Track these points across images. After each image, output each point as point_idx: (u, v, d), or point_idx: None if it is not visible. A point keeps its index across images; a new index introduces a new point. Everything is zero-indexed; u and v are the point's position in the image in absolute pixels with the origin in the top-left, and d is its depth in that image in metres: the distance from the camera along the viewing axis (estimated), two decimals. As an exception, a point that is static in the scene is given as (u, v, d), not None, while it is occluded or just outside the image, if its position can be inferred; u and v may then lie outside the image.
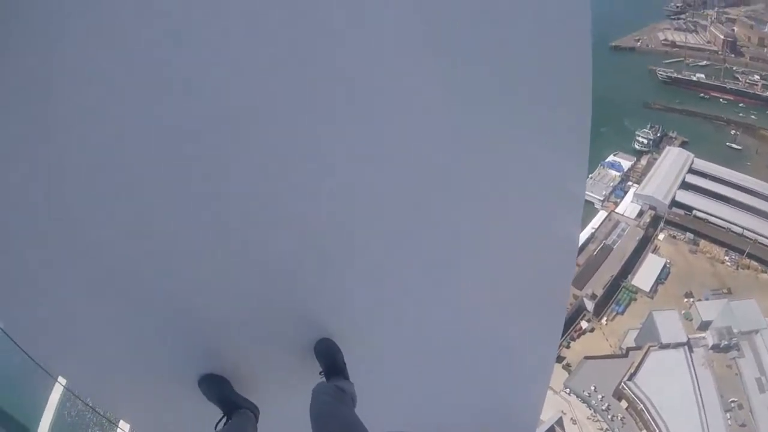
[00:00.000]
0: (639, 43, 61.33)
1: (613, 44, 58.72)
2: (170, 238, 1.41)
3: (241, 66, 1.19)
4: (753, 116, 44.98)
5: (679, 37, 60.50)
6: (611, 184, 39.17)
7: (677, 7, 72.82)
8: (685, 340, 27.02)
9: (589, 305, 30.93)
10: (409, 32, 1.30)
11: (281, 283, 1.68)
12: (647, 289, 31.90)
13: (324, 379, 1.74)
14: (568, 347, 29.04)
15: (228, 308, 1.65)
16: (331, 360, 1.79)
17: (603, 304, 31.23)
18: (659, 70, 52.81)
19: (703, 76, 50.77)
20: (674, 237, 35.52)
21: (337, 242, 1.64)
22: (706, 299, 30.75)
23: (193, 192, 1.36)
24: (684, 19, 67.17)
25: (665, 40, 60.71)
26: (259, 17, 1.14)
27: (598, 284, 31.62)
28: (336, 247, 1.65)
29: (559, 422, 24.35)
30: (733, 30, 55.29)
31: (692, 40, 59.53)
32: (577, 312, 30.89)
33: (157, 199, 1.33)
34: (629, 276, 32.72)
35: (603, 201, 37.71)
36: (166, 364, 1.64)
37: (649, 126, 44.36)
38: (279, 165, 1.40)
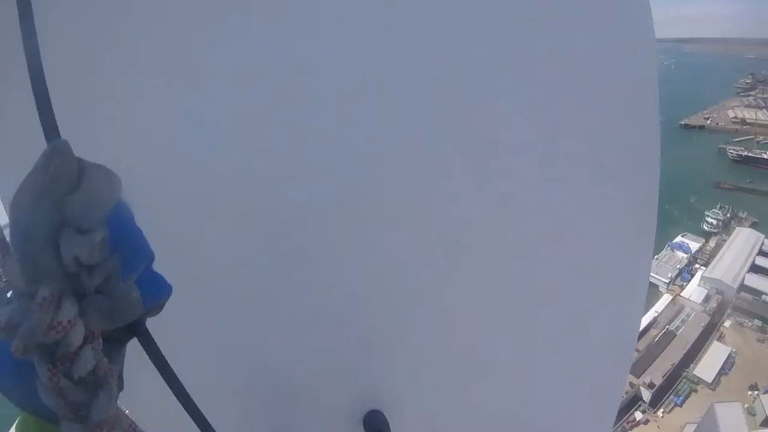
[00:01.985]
0: (708, 121, 60.37)
1: (683, 122, 58.06)
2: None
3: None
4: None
5: (749, 114, 58.87)
6: (677, 266, 37.85)
7: (747, 83, 71.41)
8: (747, 435, 24.82)
9: (646, 395, 29.22)
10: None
11: (340, 347, 1.67)
12: (709, 379, 29.83)
13: None
14: (618, 440, 27.49)
15: (287, 370, 1.67)
16: None
17: (661, 394, 29.37)
18: (729, 148, 51.26)
19: (774, 153, 49.02)
20: (741, 324, 33.30)
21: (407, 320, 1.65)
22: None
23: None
24: (754, 96, 65.73)
25: (735, 117, 59.22)
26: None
27: (657, 372, 29.86)
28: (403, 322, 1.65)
29: None
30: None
31: (763, 116, 57.75)
32: (632, 401, 29.14)
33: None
34: (691, 365, 30.67)
35: (668, 284, 36.38)
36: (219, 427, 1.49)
37: (718, 206, 42.87)
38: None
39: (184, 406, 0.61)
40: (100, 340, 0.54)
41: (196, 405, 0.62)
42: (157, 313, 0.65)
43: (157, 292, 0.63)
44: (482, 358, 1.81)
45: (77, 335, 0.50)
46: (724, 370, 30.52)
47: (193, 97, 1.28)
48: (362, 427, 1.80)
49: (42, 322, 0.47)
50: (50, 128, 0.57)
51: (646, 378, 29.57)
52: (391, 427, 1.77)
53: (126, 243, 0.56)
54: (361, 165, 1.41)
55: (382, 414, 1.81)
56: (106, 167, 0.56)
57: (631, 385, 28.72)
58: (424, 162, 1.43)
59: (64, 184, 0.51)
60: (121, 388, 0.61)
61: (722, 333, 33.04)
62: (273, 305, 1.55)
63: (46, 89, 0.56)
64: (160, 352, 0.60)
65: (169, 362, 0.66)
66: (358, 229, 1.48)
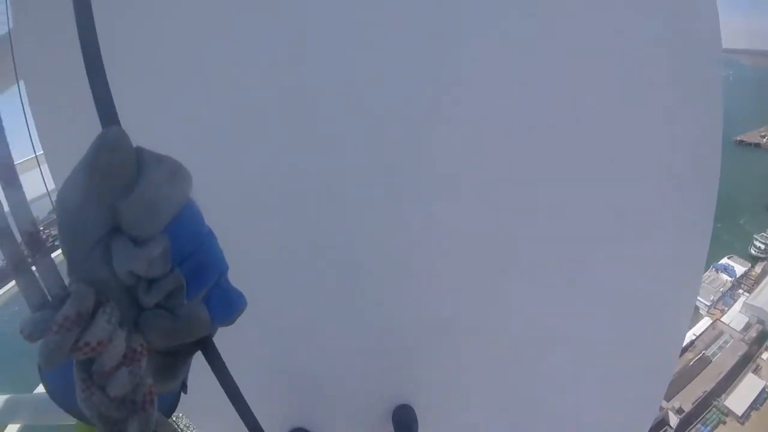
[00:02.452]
0: (765, 139, 58.20)
1: (738, 138, 56.34)
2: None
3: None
4: None
5: (807, 137, 56.71)
6: (721, 289, 36.77)
7: (807, 104, 68.73)
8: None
9: (674, 420, 28.88)
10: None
11: (371, 342, 1.75)
12: (739, 412, 28.97)
13: None
14: (639, 463, 26.57)
15: (319, 366, 1.79)
16: (406, 428, 1.82)
17: (688, 422, 28.98)
18: (785, 170, 49.39)
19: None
20: (779, 358, 32.50)
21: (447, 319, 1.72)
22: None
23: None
24: (813, 118, 63.20)
25: (793, 138, 57.13)
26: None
27: (687, 398, 29.56)
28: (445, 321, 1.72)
29: None
30: None
31: (822, 140, 55.72)
32: (659, 425, 28.69)
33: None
34: (723, 395, 30.02)
35: (710, 307, 35.45)
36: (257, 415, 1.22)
37: (768, 230, 41.80)
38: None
39: (239, 413, 0.57)
40: (143, 361, 0.46)
41: (253, 414, 0.57)
42: (229, 325, 0.56)
43: (228, 309, 0.53)
44: (512, 366, 1.84)
45: (111, 356, 0.44)
46: (756, 405, 29.79)
47: (192, 97, 1.36)
48: (391, 421, 1.87)
49: (63, 344, 0.41)
50: (106, 112, 0.48)
51: (676, 403, 29.41)
52: (419, 421, 1.85)
53: (193, 254, 0.48)
54: (399, 163, 1.48)
55: (411, 408, 1.88)
56: (173, 160, 0.47)
57: (660, 408, 27.47)
58: (475, 161, 1.49)
59: (117, 184, 0.43)
60: (184, 391, 0.57)
61: (759, 365, 32.23)
62: (305, 303, 1.65)
63: (103, 69, 0.48)
64: (225, 366, 0.55)
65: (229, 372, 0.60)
66: (392, 228, 1.55)
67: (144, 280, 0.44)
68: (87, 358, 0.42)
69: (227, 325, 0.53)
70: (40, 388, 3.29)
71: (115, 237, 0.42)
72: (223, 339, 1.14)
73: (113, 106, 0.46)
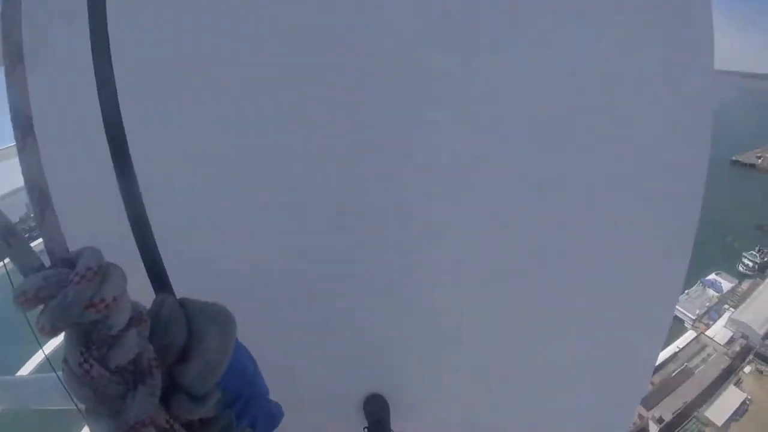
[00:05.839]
0: (760, 160, 57.54)
1: (734, 158, 56.28)
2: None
3: None
4: None
5: (803, 159, 56.82)
6: (707, 303, 36.70)
7: (806, 125, 68.56)
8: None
9: (653, 429, 28.68)
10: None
11: (339, 331, 1.71)
12: (719, 423, 29.20)
13: None
14: (617, 472, 26.98)
15: (284, 351, 1.65)
16: (377, 417, 1.76)
17: (668, 431, 28.80)
18: (778, 191, 49.47)
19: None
20: (761, 372, 32.46)
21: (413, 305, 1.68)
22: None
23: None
24: (811, 140, 63.15)
25: (788, 159, 57.24)
26: None
27: (668, 408, 29.43)
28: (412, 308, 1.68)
29: None
30: None
31: (817, 162, 55.72)
32: None
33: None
34: (704, 406, 30.03)
35: (695, 320, 35.31)
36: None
37: (757, 248, 41.49)
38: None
39: None
40: (149, 322, 0.44)
41: None
42: None
43: (271, 423, 0.59)
44: (487, 357, 1.80)
45: (121, 316, 0.42)
46: (736, 416, 29.96)
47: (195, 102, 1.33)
48: (362, 411, 1.82)
49: (81, 297, 0.39)
50: (107, 94, 0.49)
51: (656, 412, 29.16)
52: (391, 410, 1.79)
53: (242, 393, 0.51)
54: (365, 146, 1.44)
55: (383, 397, 1.82)
56: (220, 310, 0.48)
57: (641, 417, 28.20)
58: (444, 167, 1.46)
59: (172, 353, 0.44)
60: None
61: (740, 378, 32.32)
62: (274, 292, 1.60)
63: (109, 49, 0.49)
64: None
65: None
66: (363, 216, 1.52)
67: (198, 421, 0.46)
68: (84, 329, 0.41)
69: None
70: (22, 371, 3.24)
71: (173, 394, 0.43)
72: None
73: (114, 89, 0.49)
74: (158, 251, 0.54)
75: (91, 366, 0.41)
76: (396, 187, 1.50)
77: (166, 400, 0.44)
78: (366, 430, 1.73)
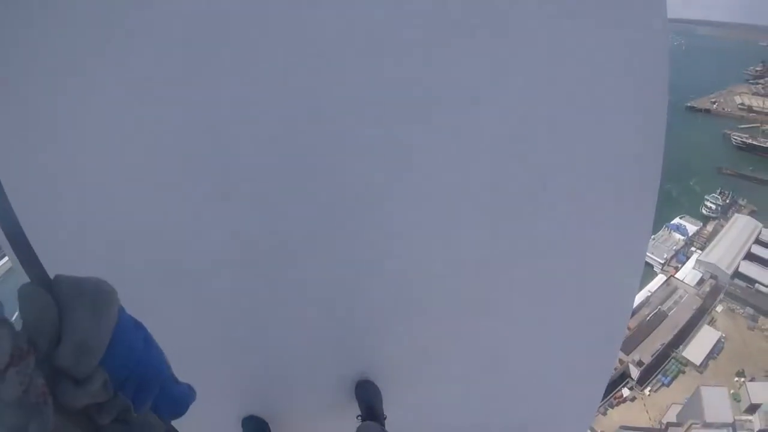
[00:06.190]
0: (715, 106, 59.64)
1: (689, 104, 57.45)
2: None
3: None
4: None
5: (756, 102, 58.14)
6: (674, 247, 37.72)
7: (757, 71, 70.42)
8: (730, 421, 24.86)
9: (634, 372, 29.48)
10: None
11: (329, 318, 1.73)
12: (698, 362, 30.05)
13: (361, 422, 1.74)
14: (604, 414, 27.60)
15: (274, 341, 1.74)
16: (370, 403, 1.79)
17: (649, 373, 29.71)
18: (734, 135, 50.89)
19: (779, 144, 48.32)
20: (733, 310, 33.44)
21: (395, 287, 1.71)
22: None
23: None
24: (763, 84, 64.96)
25: (742, 104, 58.56)
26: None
27: (646, 351, 30.05)
28: (394, 291, 1.71)
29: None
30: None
31: (771, 105, 57.21)
32: (621, 378, 29.35)
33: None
34: (681, 346, 30.89)
35: (663, 264, 36.28)
36: (212, 402, 1.36)
37: (718, 191, 42.76)
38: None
39: None
40: (31, 359, 0.41)
41: None
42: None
43: (176, 408, 0.55)
44: (473, 331, 1.84)
45: None
46: (712, 354, 30.64)
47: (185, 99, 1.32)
48: (354, 396, 1.84)
49: None
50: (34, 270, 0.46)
51: (636, 356, 29.71)
52: (383, 397, 1.82)
53: (132, 374, 0.48)
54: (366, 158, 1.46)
55: (374, 383, 1.85)
56: (92, 283, 0.45)
57: (621, 361, 28.91)
58: (419, 154, 1.48)
59: (44, 339, 0.41)
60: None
61: (713, 317, 33.12)
62: (263, 279, 1.60)
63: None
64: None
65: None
66: (352, 203, 1.53)
67: (94, 406, 0.44)
68: None
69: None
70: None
71: (57, 380, 0.41)
72: (176, 319, 1.43)
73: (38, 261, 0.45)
74: (24, 234, 0.49)
75: None
76: (383, 180, 1.51)
77: (52, 388, 0.41)
78: (359, 417, 1.76)
